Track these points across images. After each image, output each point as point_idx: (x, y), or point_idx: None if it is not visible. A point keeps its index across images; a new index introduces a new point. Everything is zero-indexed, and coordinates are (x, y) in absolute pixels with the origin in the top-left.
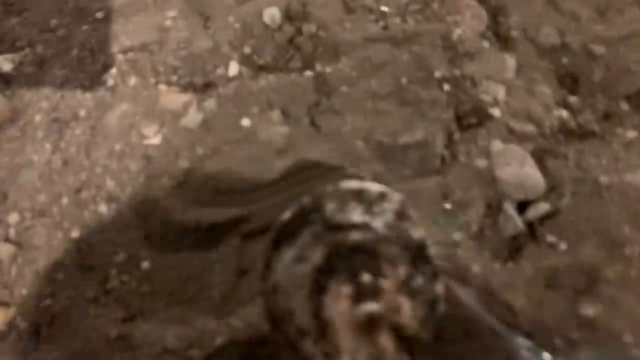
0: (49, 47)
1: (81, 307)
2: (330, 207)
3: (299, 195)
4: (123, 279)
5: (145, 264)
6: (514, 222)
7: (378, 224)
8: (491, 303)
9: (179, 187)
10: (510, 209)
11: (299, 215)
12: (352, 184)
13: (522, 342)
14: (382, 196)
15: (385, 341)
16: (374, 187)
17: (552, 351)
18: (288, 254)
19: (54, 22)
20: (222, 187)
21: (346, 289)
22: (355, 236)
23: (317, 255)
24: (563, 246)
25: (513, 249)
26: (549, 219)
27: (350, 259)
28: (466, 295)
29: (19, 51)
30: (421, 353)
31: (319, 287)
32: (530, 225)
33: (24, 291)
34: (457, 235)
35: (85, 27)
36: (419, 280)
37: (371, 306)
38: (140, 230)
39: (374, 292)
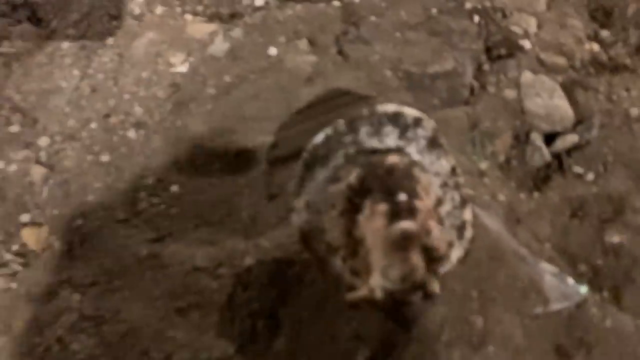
0: None
1: (112, 227)
2: (365, 130)
3: (327, 122)
4: (152, 202)
5: (174, 188)
6: (541, 153)
7: (412, 149)
8: (516, 231)
9: (207, 114)
10: (537, 140)
11: (333, 137)
12: (389, 108)
13: (546, 267)
14: (417, 122)
15: (417, 259)
16: (410, 112)
17: (577, 277)
18: (321, 174)
19: None
20: (249, 115)
21: (382, 207)
22: (391, 159)
23: (351, 176)
24: (590, 176)
25: (539, 179)
26: (577, 151)
27: (385, 179)
28: (492, 222)
29: None
30: (448, 274)
31: (352, 206)
32: (557, 156)
33: (55, 211)
34: (484, 165)
35: None
36: (448, 206)
37: (406, 224)
38: (169, 155)
39: (409, 211)
